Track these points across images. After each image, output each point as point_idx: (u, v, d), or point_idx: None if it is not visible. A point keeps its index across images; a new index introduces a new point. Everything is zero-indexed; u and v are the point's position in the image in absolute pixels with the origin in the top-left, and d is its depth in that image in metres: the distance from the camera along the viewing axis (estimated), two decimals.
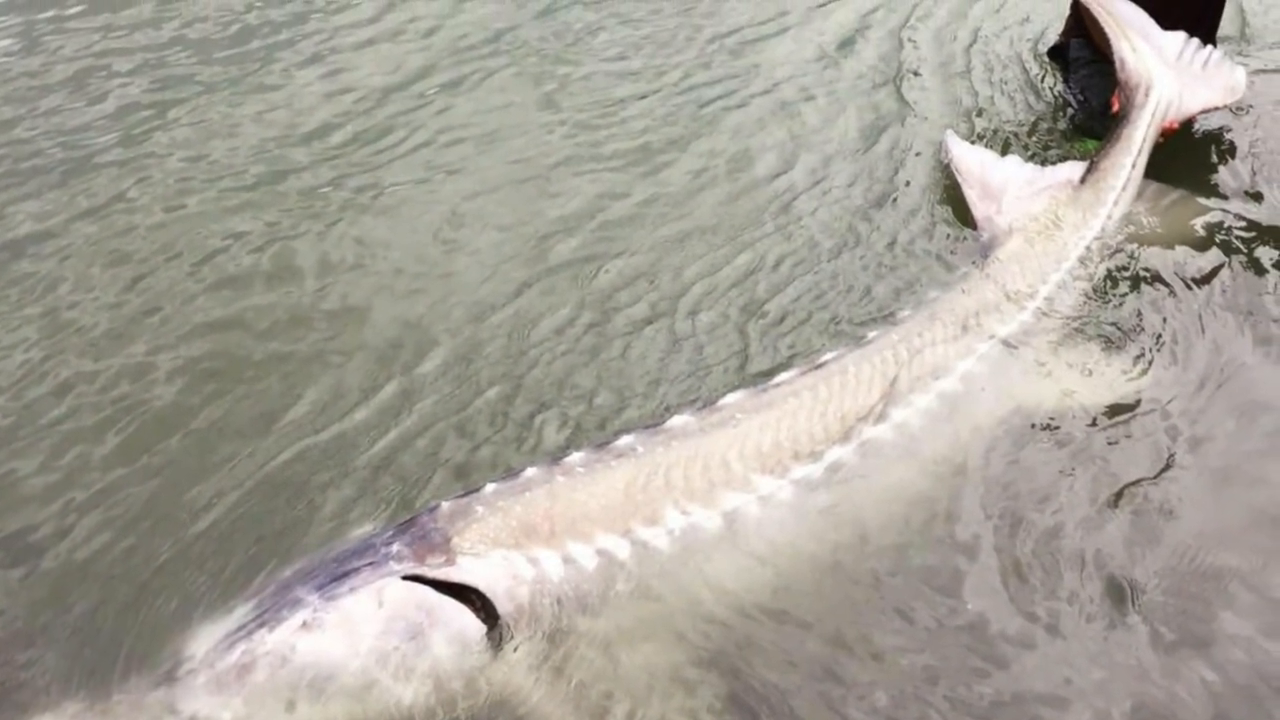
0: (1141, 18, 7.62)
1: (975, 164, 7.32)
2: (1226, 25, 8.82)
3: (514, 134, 8.36)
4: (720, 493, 4.96)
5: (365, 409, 5.96)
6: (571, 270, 6.93)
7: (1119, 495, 5.36)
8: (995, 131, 8.27)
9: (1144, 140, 7.16)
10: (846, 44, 9.57)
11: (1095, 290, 6.43)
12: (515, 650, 4.50)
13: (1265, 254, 6.80)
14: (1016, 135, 8.23)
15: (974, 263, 6.59)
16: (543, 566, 4.64)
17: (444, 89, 8.93)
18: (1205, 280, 6.58)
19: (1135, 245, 6.78)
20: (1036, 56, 9.20)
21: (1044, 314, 6.16)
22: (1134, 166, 7.04)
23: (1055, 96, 8.68)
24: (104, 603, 4.96)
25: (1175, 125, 7.45)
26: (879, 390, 5.45)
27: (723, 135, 8.32)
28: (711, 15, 10.01)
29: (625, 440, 5.11)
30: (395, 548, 4.57)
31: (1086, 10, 7.89)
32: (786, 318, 6.50)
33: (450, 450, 5.70)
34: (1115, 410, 5.77)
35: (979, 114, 8.51)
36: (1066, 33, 8.76)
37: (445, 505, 4.77)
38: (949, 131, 7.77)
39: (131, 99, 8.72)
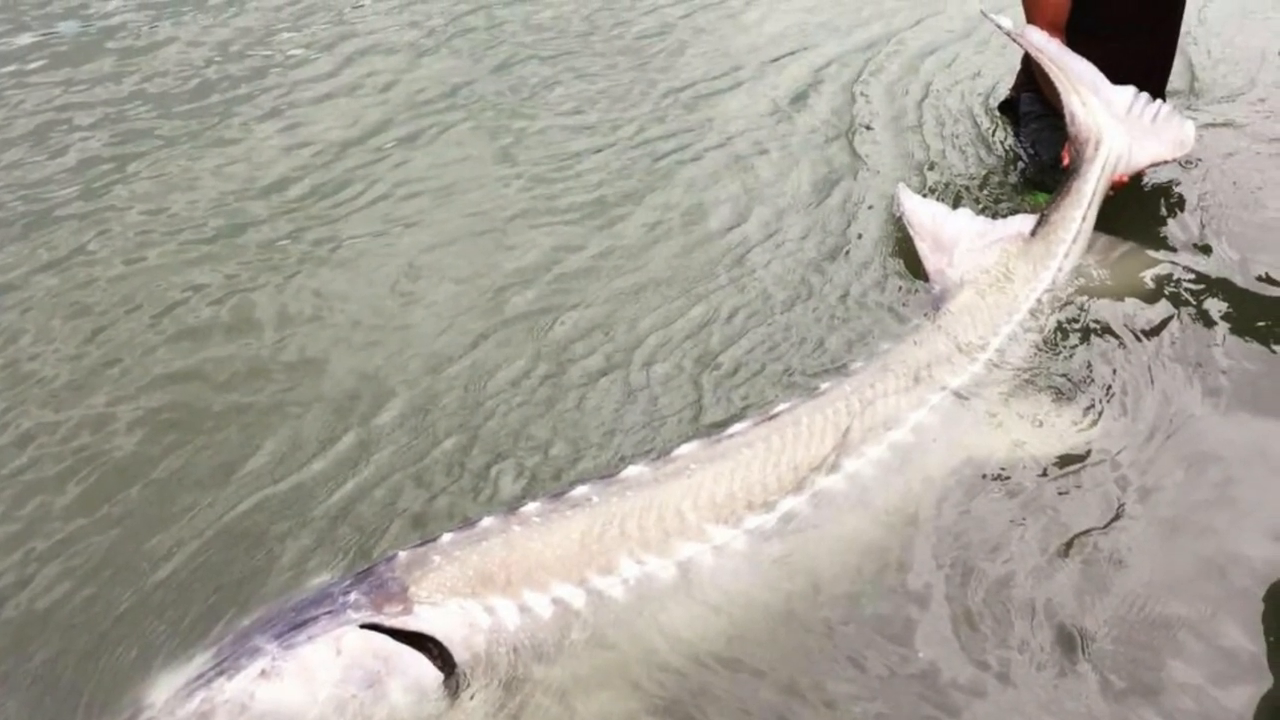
0: (1092, 72, 7.71)
1: (927, 217, 7.38)
2: (1176, 80, 8.94)
3: (471, 187, 8.42)
4: (675, 542, 4.95)
5: (323, 460, 5.97)
6: (527, 322, 6.96)
7: (1069, 545, 5.39)
8: (947, 185, 8.36)
9: (1094, 193, 7.23)
10: (799, 98, 9.68)
11: (1046, 342, 6.48)
12: (472, 698, 4.49)
13: (1214, 306, 6.87)
14: (968, 188, 8.31)
15: (926, 315, 6.64)
16: (499, 615, 4.63)
17: (401, 143, 8.99)
18: (1154, 332, 6.65)
19: (1085, 297, 6.84)
20: (988, 111, 9.32)
21: (995, 365, 6.20)
22: (1084, 219, 7.12)
23: (1006, 150, 8.78)
24: (64, 651, 4.95)
25: (1125, 179, 7.53)
26: (831, 441, 5.47)
27: (677, 189, 8.39)
28: (666, 70, 10.11)
29: (581, 490, 5.10)
30: (353, 597, 4.54)
31: (1037, 65, 7.96)
32: (740, 369, 6.54)
33: (408, 500, 5.71)
34: (1065, 461, 5.80)
35: (931, 167, 8.61)
36: (1017, 87, 8.86)
37: (403, 555, 4.75)
38: (901, 185, 7.82)
39: (92, 153, 8.76)
